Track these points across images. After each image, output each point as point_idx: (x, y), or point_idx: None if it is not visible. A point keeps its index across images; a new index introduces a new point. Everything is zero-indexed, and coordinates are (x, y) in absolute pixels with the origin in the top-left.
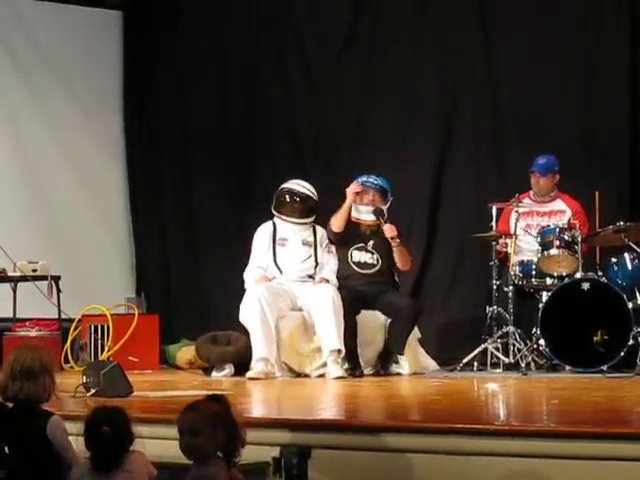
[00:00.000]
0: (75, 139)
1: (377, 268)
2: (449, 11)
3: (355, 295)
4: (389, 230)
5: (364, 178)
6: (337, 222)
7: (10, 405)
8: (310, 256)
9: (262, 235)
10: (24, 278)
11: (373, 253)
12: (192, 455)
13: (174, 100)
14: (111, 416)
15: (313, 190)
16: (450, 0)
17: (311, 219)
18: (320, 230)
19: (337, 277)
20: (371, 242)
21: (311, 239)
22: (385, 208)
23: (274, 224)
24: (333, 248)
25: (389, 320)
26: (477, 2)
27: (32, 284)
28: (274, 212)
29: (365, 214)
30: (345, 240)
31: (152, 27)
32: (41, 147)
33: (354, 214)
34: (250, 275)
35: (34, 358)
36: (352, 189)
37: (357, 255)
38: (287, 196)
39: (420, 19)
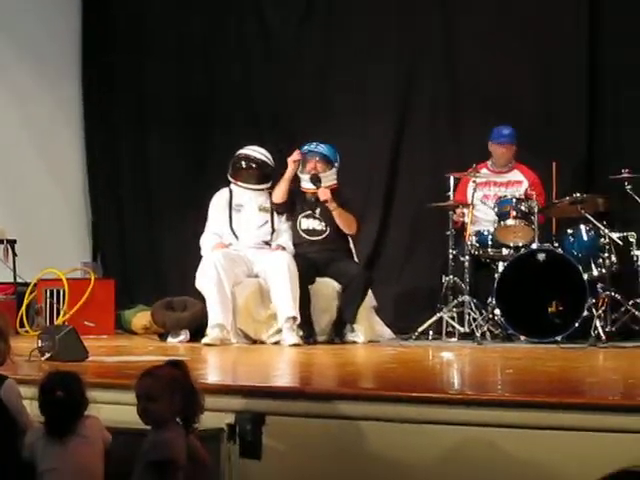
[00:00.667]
0: (33, 106)
1: (325, 234)
2: None
3: (308, 264)
4: (322, 194)
5: (306, 147)
6: (277, 192)
7: None
8: (266, 222)
9: (218, 202)
10: None
11: (321, 220)
12: (149, 420)
13: (132, 68)
14: (65, 381)
15: (269, 156)
16: None
17: (267, 185)
18: None
19: None
20: (318, 209)
21: (267, 205)
22: (329, 175)
23: (230, 191)
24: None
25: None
26: None
27: None
28: (230, 178)
29: (306, 182)
30: (293, 209)
31: None
32: None
33: (301, 183)
34: (206, 242)
35: None
36: (292, 158)
37: (305, 222)
38: (243, 162)
39: None
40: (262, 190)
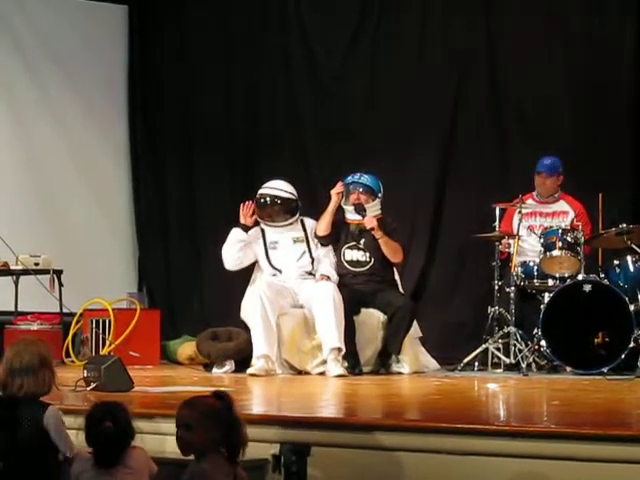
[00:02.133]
0: (79, 133)
1: (370, 266)
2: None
3: (354, 295)
4: (368, 222)
5: (349, 178)
6: (320, 225)
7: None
8: (304, 252)
9: (250, 233)
10: (26, 271)
11: (365, 251)
12: (185, 450)
13: (179, 95)
14: (113, 411)
15: (290, 189)
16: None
17: (295, 218)
18: (309, 222)
19: None
20: (362, 240)
21: (301, 235)
22: (373, 205)
23: (262, 230)
24: None
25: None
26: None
27: (34, 278)
28: (258, 219)
29: (350, 214)
30: (336, 240)
31: (158, 22)
32: (45, 142)
33: (345, 215)
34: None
35: (33, 353)
36: (334, 190)
37: (349, 254)
38: (267, 200)
39: (425, 19)
40: (291, 224)
